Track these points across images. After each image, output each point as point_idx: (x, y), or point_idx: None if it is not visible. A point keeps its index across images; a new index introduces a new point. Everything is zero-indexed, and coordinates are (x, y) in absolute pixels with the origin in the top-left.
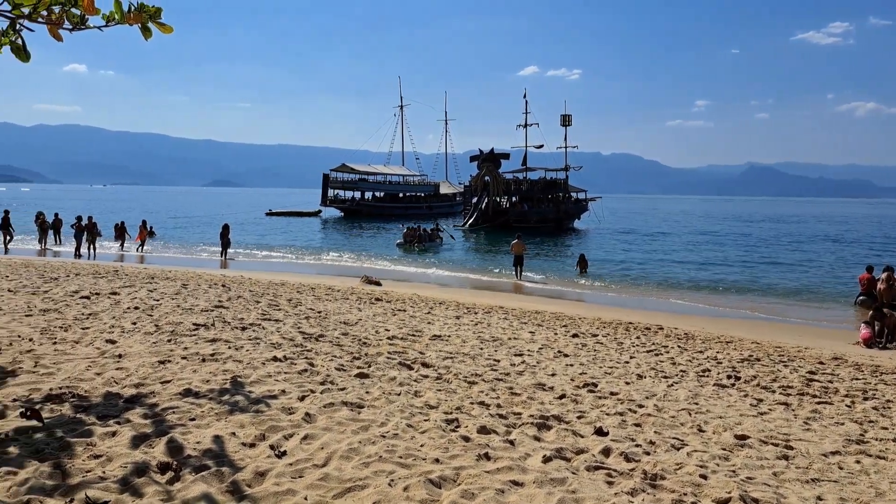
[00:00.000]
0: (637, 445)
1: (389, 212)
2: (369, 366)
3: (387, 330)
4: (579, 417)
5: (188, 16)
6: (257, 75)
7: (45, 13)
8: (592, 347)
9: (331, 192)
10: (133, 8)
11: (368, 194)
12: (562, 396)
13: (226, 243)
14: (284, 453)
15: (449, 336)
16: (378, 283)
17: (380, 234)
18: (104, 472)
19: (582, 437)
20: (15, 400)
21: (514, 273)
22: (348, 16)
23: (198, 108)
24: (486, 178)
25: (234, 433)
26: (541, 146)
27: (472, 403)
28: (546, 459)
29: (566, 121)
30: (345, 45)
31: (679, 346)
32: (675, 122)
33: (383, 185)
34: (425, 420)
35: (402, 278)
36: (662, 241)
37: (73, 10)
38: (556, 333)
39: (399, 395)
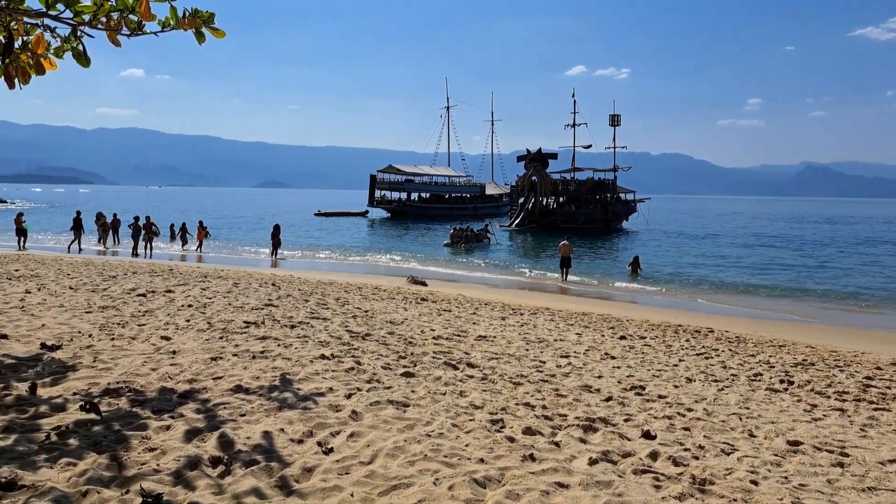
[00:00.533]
0: (686, 450)
1: (435, 213)
2: (415, 365)
3: (432, 330)
4: (626, 420)
5: (239, 21)
6: (306, 78)
7: (104, 20)
8: (640, 350)
9: (377, 193)
10: (187, 13)
11: (414, 195)
12: (608, 399)
13: (276, 243)
14: (331, 450)
15: (494, 337)
16: (424, 283)
17: (425, 234)
18: (158, 465)
19: (629, 440)
20: (75, 393)
21: (560, 274)
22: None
23: (249, 110)
24: (534, 178)
25: (282, 429)
26: (589, 146)
27: (517, 404)
28: (592, 462)
29: (615, 121)
30: (392, 47)
31: (730, 350)
32: (727, 121)
33: (429, 186)
34: (470, 420)
35: (447, 279)
36: (713, 243)
37: (131, 16)
38: (602, 335)
39: (444, 394)
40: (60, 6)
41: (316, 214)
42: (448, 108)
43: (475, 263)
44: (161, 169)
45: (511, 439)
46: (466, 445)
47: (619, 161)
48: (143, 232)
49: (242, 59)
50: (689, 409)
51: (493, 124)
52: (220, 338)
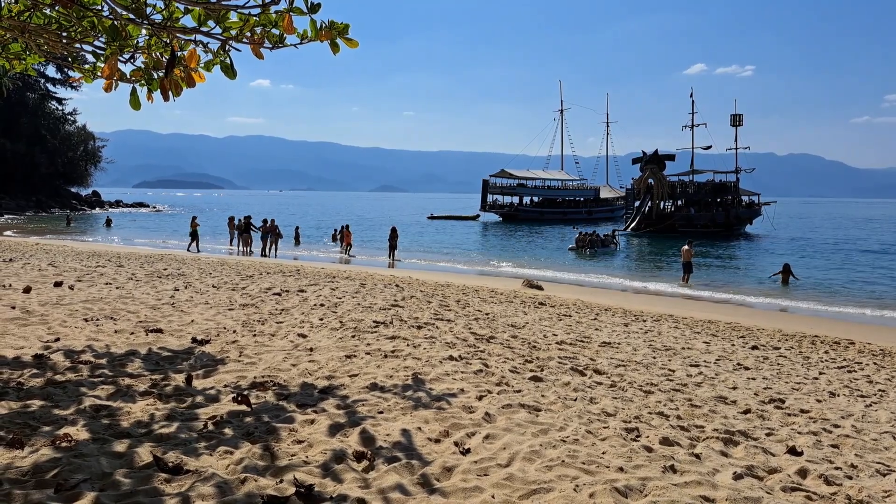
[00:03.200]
0: (837, 468)
1: (548, 217)
2: (542, 370)
3: (554, 335)
4: (768, 434)
5: (357, 30)
6: (421, 84)
7: (249, 34)
8: (775, 361)
9: (489, 197)
10: (324, 26)
11: (527, 199)
12: (746, 411)
13: (393, 245)
14: (468, 451)
15: (619, 343)
16: (539, 287)
17: (538, 238)
18: (307, 457)
19: (773, 455)
20: (226, 385)
21: (681, 279)
22: (509, 22)
23: (367, 117)
24: (650, 180)
25: (419, 428)
26: (709, 147)
27: (650, 413)
28: (737, 476)
29: (737, 121)
30: (505, 51)
31: (875, 364)
32: (862, 118)
33: (541, 190)
34: (604, 427)
35: (562, 282)
36: (845, 250)
37: (274, 30)
38: (733, 344)
39: (575, 400)
40: (211, 23)
41: (429, 218)
42: (562, 110)
43: (590, 268)
44: (284, 174)
45: (648, 449)
46: (603, 453)
47: (742, 163)
48: (270, 233)
49: (360, 67)
50: (836, 426)
51: (607, 126)
52: (353, 336)
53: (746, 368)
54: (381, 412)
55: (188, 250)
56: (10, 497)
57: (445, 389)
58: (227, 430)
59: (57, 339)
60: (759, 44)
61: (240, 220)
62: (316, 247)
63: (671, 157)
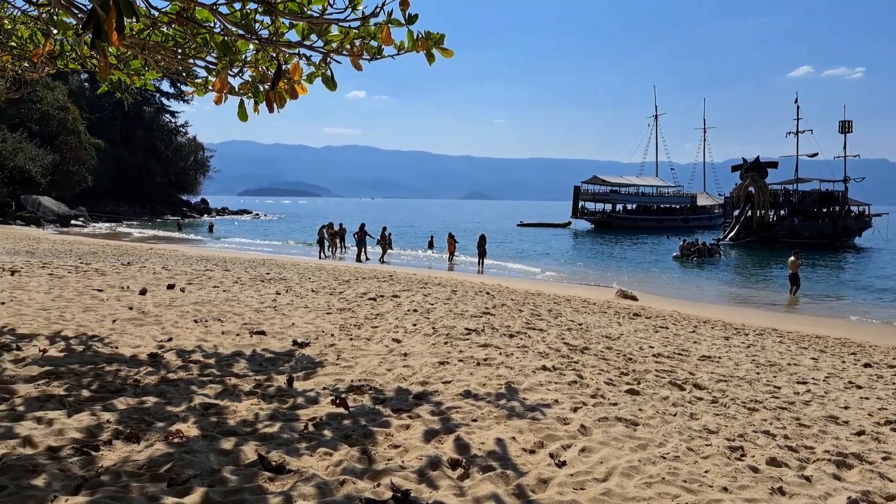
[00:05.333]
0: None
1: (642, 224)
2: (638, 382)
3: (651, 347)
4: (885, 459)
5: (449, 40)
6: (511, 92)
7: (349, 46)
8: (891, 380)
9: (581, 204)
10: (420, 36)
11: (620, 206)
12: (860, 433)
13: (482, 252)
14: (564, 463)
15: (719, 357)
16: (634, 298)
17: (633, 246)
18: (403, 462)
19: (891, 481)
20: (325, 388)
21: (788, 292)
22: (600, 26)
23: (457, 126)
24: (750, 189)
25: (514, 437)
26: (814, 155)
27: (755, 432)
28: (851, 502)
29: (845, 127)
30: (596, 56)
31: None
32: None
33: (635, 197)
34: (706, 445)
35: (657, 293)
36: None
37: (372, 42)
38: (843, 361)
39: (674, 415)
40: (313, 37)
41: (519, 225)
42: (656, 116)
43: (685, 278)
44: (378, 182)
45: (754, 469)
46: (706, 472)
47: (851, 170)
48: (365, 239)
49: (452, 77)
50: None
51: (704, 132)
52: (445, 343)
53: (859, 387)
54: (475, 420)
55: (320, 258)
56: (127, 489)
57: (539, 400)
58: (326, 432)
59: (170, 339)
60: (869, 44)
61: (339, 226)
62: (409, 252)
63: (774, 165)
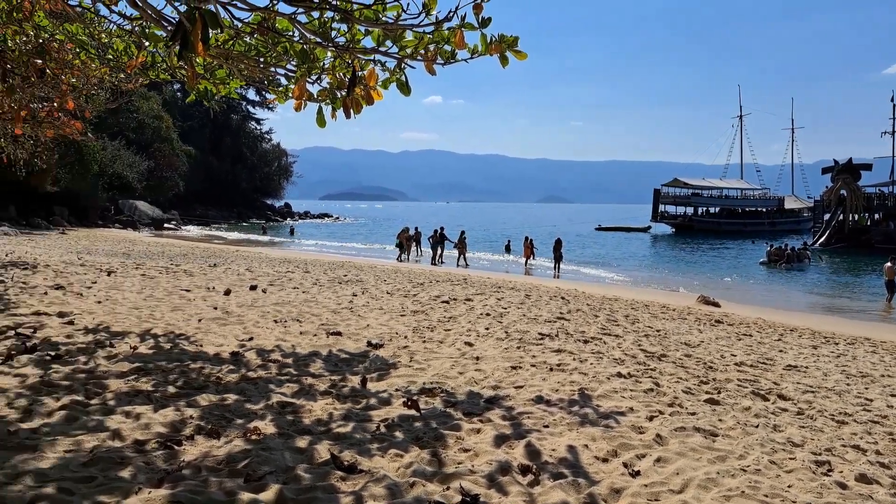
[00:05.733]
0: None
1: (725, 228)
2: (719, 392)
3: (733, 355)
4: None
5: (523, 42)
6: (589, 94)
7: (423, 51)
8: None
9: (661, 208)
10: (494, 39)
11: (702, 209)
12: None
13: (558, 256)
14: (638, 473)
15: (806, 367)
16: (716, 304)
17: (716, 251)
18: (473, 466)
19: None
20: (397, 389)
21: (885, 300)
22: (679, 25)
23: (533, 129)
24: (842, 191)
25: (586, 445)
26: None
27: (843, 446)
28: None
29: None
30: (675, 56)
31: None
32: None
33: (719, 200)
34: (790, 458)
35: (741, 299)
36: None
37: (446, 46)
38: None
39: (756, 427)
40: (388, 42)
41: (597, 229)
42: (741, 116)
43: (772, 285)
44: (454, 186)
45: (842, 485)
46: (789, 486)
47: None
48: (440, 243)
49: (527, 79)
50: None
51: (792, 132)
52: (518, 347)
53: None
54: (547, 426)
55: (399, 260)
56: (206, 484)
57: (613, 407)
58: (397, 434)
59: (251, 339)
60: None
61: (416, 230)
62: (486, 256)
63: (867, 167)
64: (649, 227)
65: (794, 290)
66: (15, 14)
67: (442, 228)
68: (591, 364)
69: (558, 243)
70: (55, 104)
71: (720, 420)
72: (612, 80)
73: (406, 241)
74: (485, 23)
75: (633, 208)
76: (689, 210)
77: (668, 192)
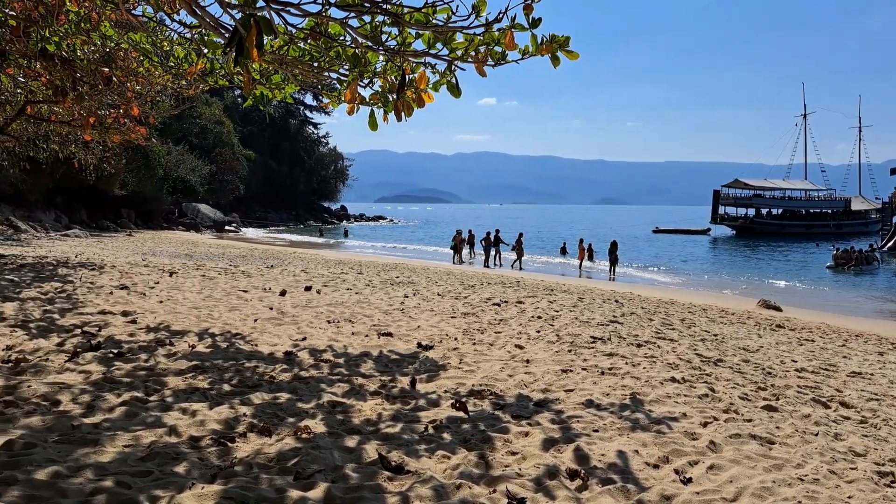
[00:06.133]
0: None
1: (788, 230)
2: (777, 398)
3: (793, 361)
4: None
5: (578, 41)
6: (647, 94)
7: (473, 53)
8: None
9: (721, 209)
10: (545, 40)
11: (764, 211)
12: None
13: (613, 259)
14: (690, 480)
15: (871, 374)
16: (778, 308)
17: (778, 254)
18: (520, 470)
19: None
20: (446, 391)
21: None
22: (740, 23)
23: (589, 129)
24: None
25: (636, 451)
26: None
27: None
28: None
29: None
30: (736, 54)
31: None
32: None
33: (781, 202)
34: (851, 468)
35: (804, 304)
36: None
37: (496, 47)
38: None
39: (816, 435)
40: (439, 45)
41: (654, 231)
42: (805, 115)
43: (837, 289)
44: (507, 188)
45: None
46: (849, 497)
47: None
48: (493, 245)
49: (582, 79)
50: None
51: (860, 131)
52: (569, 351)
53: None
54: (597, 430)
55: (454, 262)
56: (257, 480)
57: (666, 412)
58: (445, 435)
59: (304, 339)
60: None
61: (469, 233)
62: (541, 259)
63: None
64: (709, 230)
65: (860, 294)
66: (83, 24)
67: (497, 231)
68: (644, 368)
69: (614, 246)
70: (121, 111)
71: (778, 427)
72: (670, 79)
73: (459, 244)
74: (535, 23)
75: (691, 210)
76: (751, 212)
77: (728, 194)
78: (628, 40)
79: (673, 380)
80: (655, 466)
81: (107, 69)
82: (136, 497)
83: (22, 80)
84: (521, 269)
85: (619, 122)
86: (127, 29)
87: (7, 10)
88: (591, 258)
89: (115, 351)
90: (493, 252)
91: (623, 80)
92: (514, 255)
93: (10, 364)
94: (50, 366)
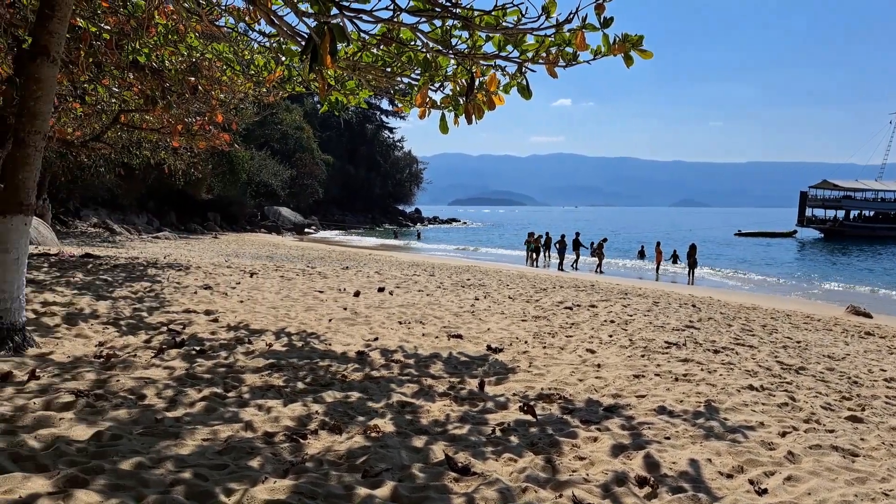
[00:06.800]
0: None
1: (881, 234)
2: (863, 409)
3: (882, 370)
4: None
5: (655, 39)
6: (730, 93)
7: (544, 55)
8: None
9: (808, 211)
10: (618, 39)
11: (854, 213)
12: None
13: (692, 263)
14: (765, 491)
15: None
16: (868, 315)
17: (870, 258)
18: (587, 475)
19: None
20: (514, 394)
21: None
22: (827, 17)
23: (667, 130)
24: None
25: (709, 459)
26: None
27: None
28: None
29: None
30: (823, 51)
31: None
32: None
33: (873, 203)
34: None
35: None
36: None
37: (567, 48)
38: None
39: None
40: (509, 47)
41: (736, 234)
42: None
43: None
44: (582, 190)
45: None
46: None
47: None
48: (566, 248)
49: (660, 78)
50: None
51: None
52: (642, 356)
53: None
54: (668, 438)
55: (530, 264)
56: (327, 477)
57: (742, 421)
58: (512, 438)
59: (376, 339)
60: None
61: (546, 235)
62: (616, 261)
63: None
64: (795, 232)
65: None
66: (171, 36)
67: (577, 234)
68: (721, 375)
69: (693, 249)
70: (206, 118)
71: (862, 439)
72: (755, 77)
73: (537, 246)
74: (607, 23)
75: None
76: (840, 214)
77: (816, 195)
78: (711, 37)
79: (751, 387)
80: (729, 476)
81: (193, 78)
82: (212, 489)
83: (116, 90)
84: (601, 272)
85: (699, 121)
86: (211, 39)
87: (102, 25)
88: (675, 261)
89: (198, 348)
90: (572, 255)
91: (705, 79)
92: (592, 259)
93: (102, 359)
94: (137, 361)
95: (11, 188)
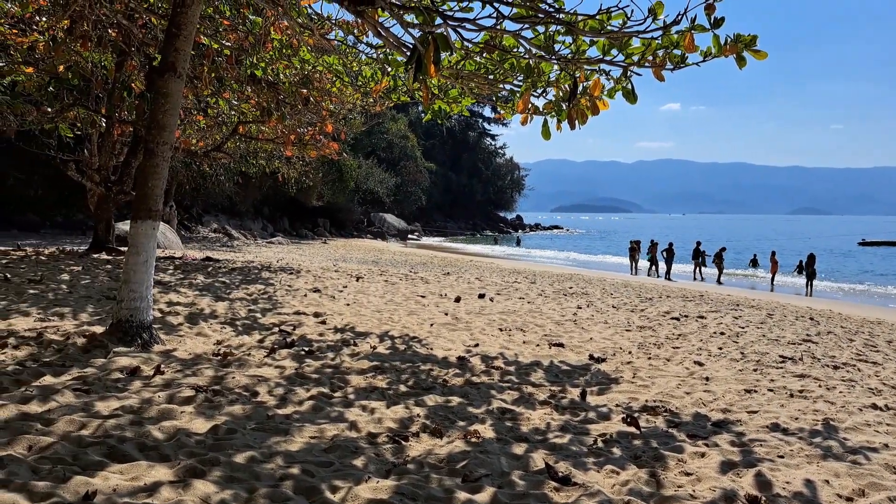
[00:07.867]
0: None
1: None
2: None
3: None
4: None
5: (771, 39)
6: (852, 92)
7: (650, 58)
8: None
9: None
10: (729, 40)
11: None
12: None
13: (811, 273)
14: None
15: None
16: None
17: None
18: (693, 491)
19: None
20: (617, 405)
21: None
22: None
23: (784, 133)
24: None
25: (827, 481)
26: None
27: None
28: None
29: None
30: None
31: None
32: None
33: None
34: None
35: None
36: None
37: (675, 50)
38: None
39: None
40: (614, 51)
41: (860, 244)
42: None
43: None
44: (692, 196)
45: None
46: None
47: None
48: (674, 256)
49: (777, 80)
50: None
51: None
52: (754, 370)
53: None
54: (782, 456)
55: (632, 273)
56: (427, 479)
57: (864, 442)
58: (615, 450)
59: (476, 345)
60: None
61: (651, 243)
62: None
63: None
64: None
65: None
66: (285, 50)
67: (699, 243)
68: (840, 392)
69: (811, 259)
70: (317, 128)
71: None
72: (878, 76)
73: (636, 253)
74: (717, 23)
75: None
76: None
77: None
78: (829, 34)
79: (874, 406)
80: (849, 500)
81: (305, 90)
82: (318, 485)
83: (235, 102)
84: (720, 283)
85: (819, 124)
86: (322, 53)
87: (223, 41)
88: (799, 272)
89: (307, 349)
90: (693, 265)
91: (827, 78)
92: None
93: (220, 357)
94: (251, 360)
95: (142, 196)
